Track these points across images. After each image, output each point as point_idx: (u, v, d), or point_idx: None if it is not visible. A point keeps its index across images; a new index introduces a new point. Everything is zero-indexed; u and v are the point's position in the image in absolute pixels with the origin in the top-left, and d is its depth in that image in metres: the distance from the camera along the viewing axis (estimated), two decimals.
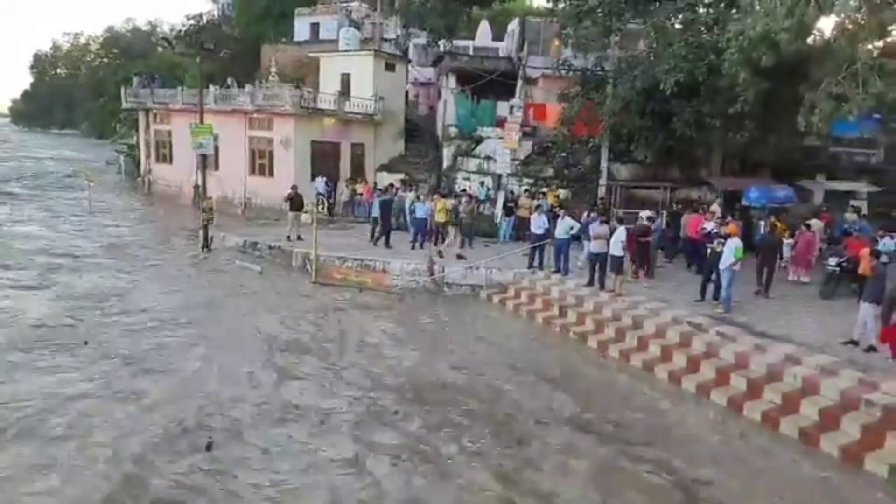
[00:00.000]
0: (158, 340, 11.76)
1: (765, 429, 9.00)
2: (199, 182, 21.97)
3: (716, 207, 16.91)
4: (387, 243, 18.25)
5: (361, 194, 23.80)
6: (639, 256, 14.91)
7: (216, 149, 24.18)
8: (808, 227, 15.03)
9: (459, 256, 16.90)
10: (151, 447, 7.88)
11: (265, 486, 7.15)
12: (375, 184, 23.80)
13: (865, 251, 11.32)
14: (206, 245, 19.84)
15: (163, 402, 9.17)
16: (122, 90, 33.51)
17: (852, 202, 19.93)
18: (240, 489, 7.09)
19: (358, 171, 26.70)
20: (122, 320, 12.88)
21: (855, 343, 10.30)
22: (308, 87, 27.28)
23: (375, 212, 19.30)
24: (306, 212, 19.65)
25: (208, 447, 7.95)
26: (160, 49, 64.79)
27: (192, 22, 46.50)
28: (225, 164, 26.82)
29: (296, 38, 38.54)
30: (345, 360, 11.21)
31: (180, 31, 48.82)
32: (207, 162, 22.44)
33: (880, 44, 14.86)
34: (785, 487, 7.52)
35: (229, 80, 29.86)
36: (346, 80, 28.13)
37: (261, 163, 26.60)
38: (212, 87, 27.17)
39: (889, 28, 14.79)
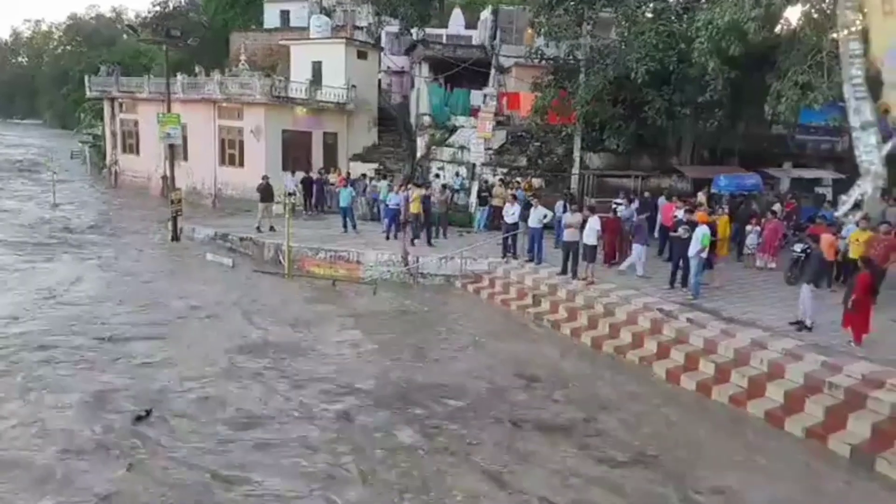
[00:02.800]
0: (121, 336, 11.49)
1: (732, 412, 9.18)
2: (168, 173, 21.53)
3: (701, 197, 16.94)
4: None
5: (334, 184, 23.55)
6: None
7: (184, 139, 23.73)
8: (774, 213, 15.31)
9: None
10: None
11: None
12: (349, 174, 23.56)
13: (828, 237, 11.58)
14: (176, 237, 19.48)
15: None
16: (87, 79, 32.62)
17: (817, 189, 20.39)
18: None
19: (331, 161, 26.42)
20: (82, 314, 12.58)
21: (800, 323, 10.56)
22: (279, 76, 26.87)
23: (343, 202, 19.20)
24: (278, 202, 19.41)
25: (140, 417, 8.23)
26: (125, 36, 63.24)
27: (157, 8, 45.41)
28: (194, 155, 26.33)
29: (265, 26, 37.95)
30: (313, 355, 11.10)
31: (145, 17, 47.68)
32: (176, 152, 21.99)
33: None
34: (753, 466, 7.69)
35: (197, 69, 29.28)
36: (317, 69, 27.74)
37: (231, 153, 26.16)
38: (179, 76, 26.59)
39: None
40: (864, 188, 2.14)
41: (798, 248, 13.53)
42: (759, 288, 13.36)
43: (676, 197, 16.83)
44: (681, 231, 12.89)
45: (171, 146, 21.11)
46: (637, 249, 13.99)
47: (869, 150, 2.03)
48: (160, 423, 8.26)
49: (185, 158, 26.00)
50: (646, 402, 9.55)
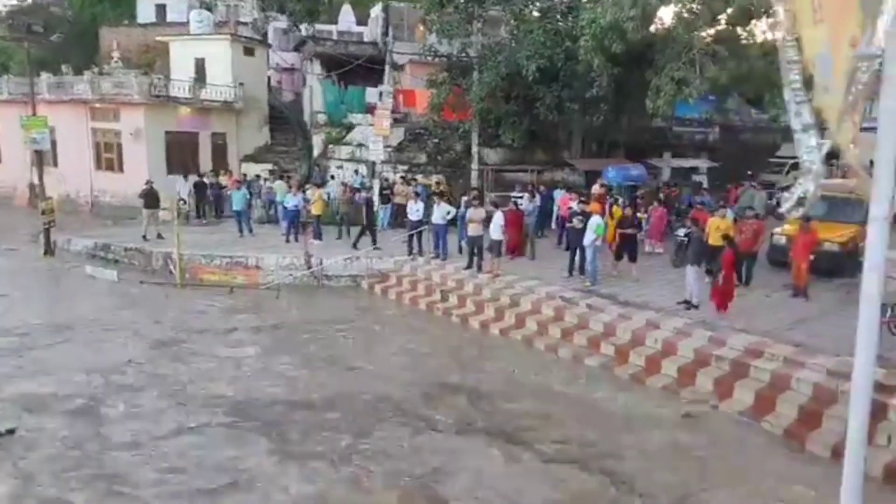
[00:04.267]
0: None
1: (634, 388, 9.71)
2: (36, 181, 19.59)
3: (598, 189, 17.56)
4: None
5: (225, 187, 22.42)
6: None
7: (53, 143, 21.70)
8: (661, 201, 16.32)
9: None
10: None
11: None
12: (244, 175, 22.55)
13: (712, 221, 12.49)
14: (49, 250, 17.76)
15: None
16: None
17: (694, 177, 22.02)
18: None
19: (221, 163, 25.14)
20: None
21: (688, 302, 11.36)
22: (158, 74, 25.20)
23: (237, 205, 18.39)
24: (165, 209, 18.21)
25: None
26: None
27: (15, 2, 41.13)
28: (65, 160, 24.16)
29: (139, 20, 35.43)
30: (203, 367, 10.53)
31: (0, 12, 43.05)
32: (44, 158, 20.04)
33: (712, 31, 16.41)
34: (653, 429, 8.25)
35: (65, 67, 26.84)
36: (200, 66, 26.27)
37: (108, 157, 24.19)
38: (44, 75, 24.27)
39: (719, 17, 16.39)
40: (807, 186, 2.29)
41: (681, 232, 14.49)
42: (649, 272, 14.20)
43: (570, 189, 17.59)
44: (575, 221, 13.44)
45: (39, 152, 19.22)
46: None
47: (810, 151, 2.18)
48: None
49: (56, 165, 23.80)
50: (553, 386, 9.87)
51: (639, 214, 16.23)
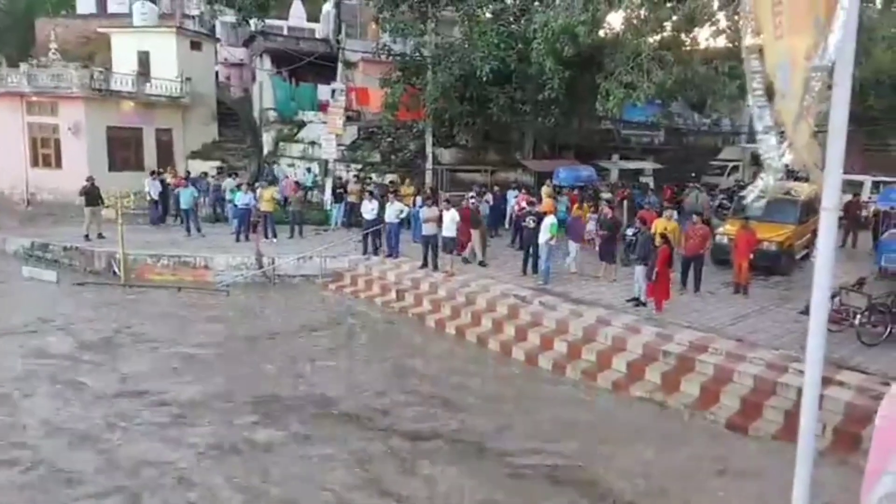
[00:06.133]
0: None
1: (584, 384, 9.95)
2: None
3: (546, 189, 17.93)
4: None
5: (169, 184, 21.66)
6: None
7: None
8: (609, 202, 16.75)
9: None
10: None
11: None
12: (188, 173, 21.90)
13: (658, 222, 12.92)
14: None
15: None
16: None
17: (641, 178, 22.68)
18: None
19: (166, 160, 24.37)
20: None
21: (637, 299, 11.72)
22: (98, 67, 24.22)
23: (184, 203, 17.90)
24: (107, 206, 17.53)
25: None
26: None
27: None
28: None
29: (78, 11, 33.96)
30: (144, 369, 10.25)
31: None
32: None
33: (659, 37, 16.93)
34: (603, 424, 8.51)
35: None
36: (144, 60, 25.44)
37: (45, 153, 23.11)
38: None
39: (665, 23, 16.93)
40: (767, 181, 2.60)
41: (630, 231, 14.92)
42: (599, 270, 14.53)
43: (524, 189, 17.84)
44: (528, 221, 13.67)
45: None
46: (573, 247, 14.10)
47: (770, 150, 2.50)
48: None
49: None
50: (507, 385, 10.02)
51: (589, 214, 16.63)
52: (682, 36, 17.14)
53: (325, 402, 9.11)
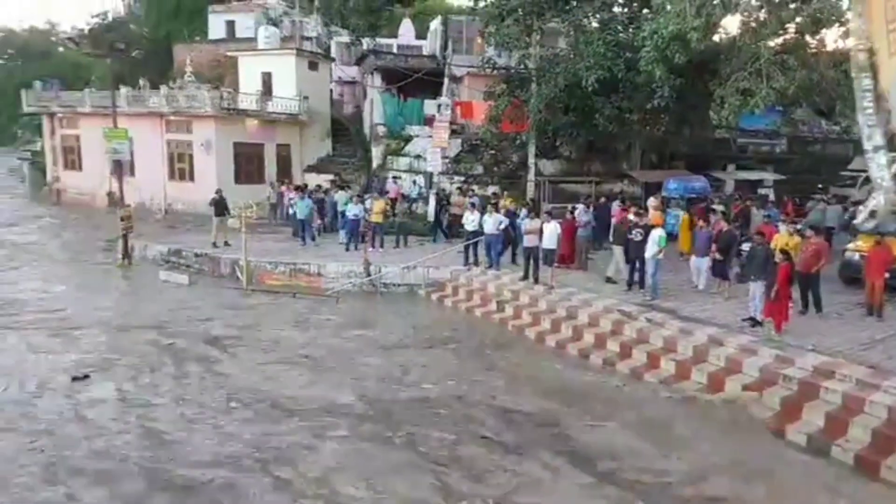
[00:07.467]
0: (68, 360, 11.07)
1: (696, 404, 9.49)
2: (115, 189, 20.81)
3: (654, 202, 17.20)
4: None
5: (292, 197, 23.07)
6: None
7: (131, 153, 22.94)
8: (724, 214, 15.91)
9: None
10: None
11: None
12: (306, 185, 23.28)
13: (779, 236, 12.12)
14: (127, 256, 18.82)
15: None
16: (24, 94, 31.19)
17: (760, 190, 21.33)
18: None
19: (284, 173, 26.09)
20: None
21: (753, 319, 11.00)
22: (227, 88, 26.40)
23: (301, 214, 18.95)
24: (233, 216, 18.99)
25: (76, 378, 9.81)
26: (61, 49, 60.90)
27: (97, 20, 43.90)
28: (141, 170, 25.55)
29: (210, 37, 37.18)
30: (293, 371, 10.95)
31: (82, 30, 46.01)
32: (122, 168, 21.30)
33: (781, 40, 15.94)
34: (712, 445, 8.09)
35: (142, 81, 28.48)
36: (267, 80, 27.43)
37: (180, 167, 25.53)
38: (123, 89, 25.81)
39: (787, 25, 15.92)
40: (879, 200, 2.45)
41: (747, 247, 14.09)
42: (713, 286, 13.82)
43: (629, 201, 17.35)
44: (634, 234, 13.28)
45: (119, 162, 20.43)
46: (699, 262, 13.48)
47: (881, 169, 2.35)
48: None
49: (132, 174, 25.20)
50: (614, 402, 9.77)
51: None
52: (807, 38, 16.02)
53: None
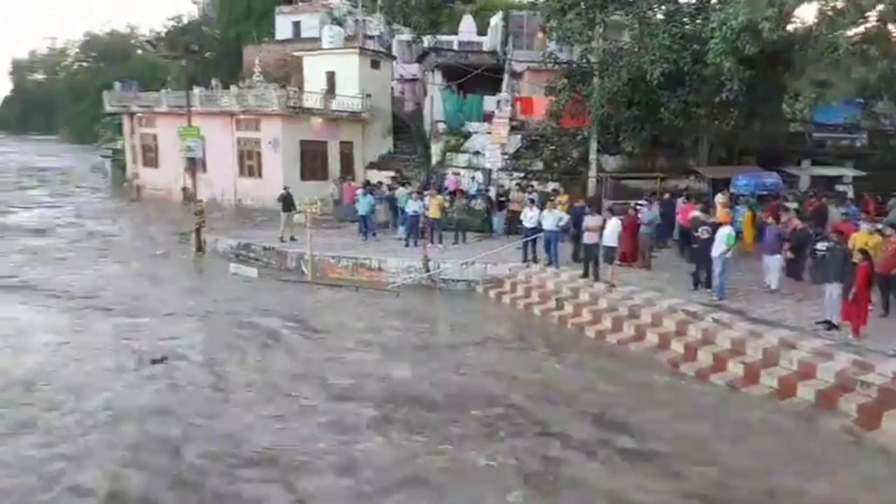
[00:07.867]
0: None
1: (766, 408, 9.20)
2: (189, 185, 21.85)
3: (721, 198, 16.68)
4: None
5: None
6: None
7: (203, 151, 24.05)
8: (798, 212, 15.25)
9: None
10: None
11: None
12: (368, 181, 23.76)
13: (858, 236, 11.56)
14: (200, 248, 19.76)
15: None
16: (105, 94, 33.16)
17: (838, 186, 20.29)
18: None
19: (347, 170, 26.69)
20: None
21: (828, 322, 10.53)
22: (292, 86, 27.20)
23: (363, 210, 19.36)
24: (299, 212, 19.60)
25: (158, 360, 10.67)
26: (140, 51, 64.23)
27: (172, 23, 46.08)
28: (213, 167, 26.66)
29: (277, 37, 38.34)
30: (356, 358, 11.29)
31: (158, 33, 48.44)
32: (196, 164, 22.34)
33: (861, 29, 15.10)
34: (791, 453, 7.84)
35: (214, 82, 29.70)
36: (331, 79, 28.09)
37: (249, 164, 26.53)
38: (197, 89, 27.00)
39: (868, 14, 15.07)
40: None
41: (822, 246, 13.45)
42: (784, 287, 13.30)
43: (694, 198, 16.86)
44: (701, 231, 12.90)
45: (192, 159, 21.43)
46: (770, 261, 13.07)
47: None
48: None
49: (205, 170, 26.33)
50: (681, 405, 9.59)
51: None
52: (889, 27, 15.11)
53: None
